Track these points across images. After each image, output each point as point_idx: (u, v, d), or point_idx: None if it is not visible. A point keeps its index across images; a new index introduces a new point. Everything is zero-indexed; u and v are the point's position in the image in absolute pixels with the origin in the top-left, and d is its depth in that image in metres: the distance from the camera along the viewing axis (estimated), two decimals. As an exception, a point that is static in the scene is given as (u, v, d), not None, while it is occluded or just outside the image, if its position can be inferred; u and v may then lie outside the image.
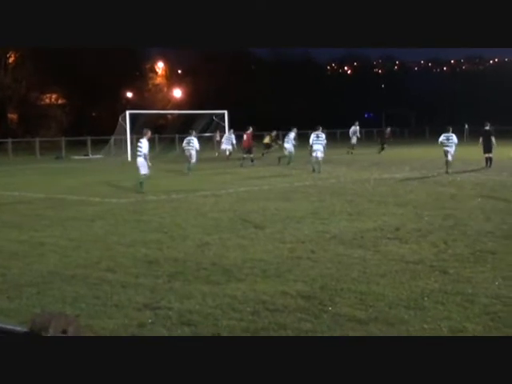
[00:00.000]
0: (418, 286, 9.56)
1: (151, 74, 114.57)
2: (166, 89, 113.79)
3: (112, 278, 10.44)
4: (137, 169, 25.09)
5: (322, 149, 34.03)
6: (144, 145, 24.78)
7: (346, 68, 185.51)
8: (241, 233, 14.74)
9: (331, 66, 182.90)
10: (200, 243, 13.50)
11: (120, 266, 11.38)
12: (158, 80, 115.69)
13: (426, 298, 8.91)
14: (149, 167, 24.81)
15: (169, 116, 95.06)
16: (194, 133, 37.29)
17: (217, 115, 59.78)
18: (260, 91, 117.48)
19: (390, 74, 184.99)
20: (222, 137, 53.06)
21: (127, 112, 55.24)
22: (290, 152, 40.61)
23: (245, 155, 41.75)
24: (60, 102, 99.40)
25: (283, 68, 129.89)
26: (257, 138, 48.80)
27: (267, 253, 12.31)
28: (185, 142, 36.96)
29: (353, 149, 52.61)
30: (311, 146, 34.55)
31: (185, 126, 63.96)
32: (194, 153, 35.77)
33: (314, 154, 34.05)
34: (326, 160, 35.15)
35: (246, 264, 11.29)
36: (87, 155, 58.08)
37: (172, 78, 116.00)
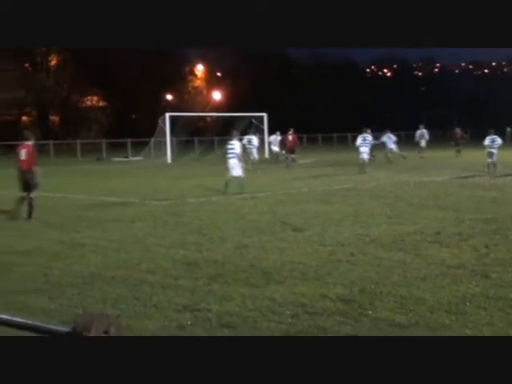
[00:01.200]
0: (459, 291, 9.46)
1: (191, 77, 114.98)
2: (205, 91, 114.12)
3: (152, 280, 10.48)
4: (227, 170, 25.07)
5: (367, 151, 35.12)
6: (237, 145, 24.89)
7: (385, 70, 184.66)
8: (280, 235, 14.72)
9: (371, 69, 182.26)
10: (239, 245, 13.50)
11: (160, 268, 11.42)
12: (198, 82, 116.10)
13: (467, 303, 8.81)
14: (242, 168, 24.84)
15: (208, 118, 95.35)
16: (251, 132, 38.43)
17: (256, 118, 59.79)
18: (299, 94, 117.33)
19: (430, 76, 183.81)
20: (261, 139, 53.10)
21: (167, 114, 55.50)
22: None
23: (287, 155, 42.34)
24: (101, 104, 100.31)
25: (322, 70, 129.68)
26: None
27: (306, 255, 12.28)
28: (245, 140, 37.74)
29: (420, 153, 50.71)
30: (358, 148, 35.55)
31: (224, 128, 64.25)
32: (255, 151, 36.62)
33: (360, 156, 35.04)
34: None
35: (285, 266, 11.27)
36: (127, 157, 58.53)
37: (211, 81, 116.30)
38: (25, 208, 18.56)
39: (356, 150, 37.10)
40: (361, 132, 37.38)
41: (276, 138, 50.00)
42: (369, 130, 36.93)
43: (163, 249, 13.32)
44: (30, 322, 2.66)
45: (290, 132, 43.89)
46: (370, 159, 35.79)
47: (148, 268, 11.43)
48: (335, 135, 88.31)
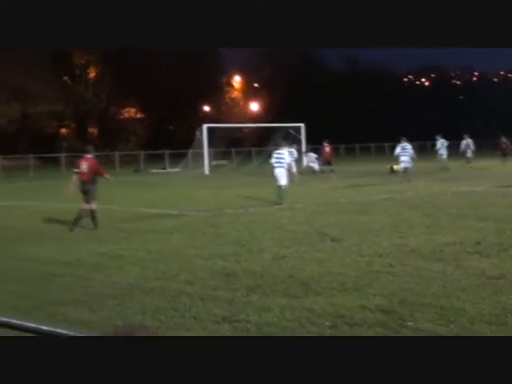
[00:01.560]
0: (499, 302, 9.35)
1: (228, 88, 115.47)
2: (242, 102, 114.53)
3: (190, 291, 10.50)
4: (275, 180, 25.16)
5: (408, 159, 35.32)
6: (286, 155, 25.02)
7: (423, 80, 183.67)
8: (318, 246, 14.68)
9: (408, 78, 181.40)
10: (277, 256, 13.49)
11: (198, 279, 11.44)
12: (235, 94, 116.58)
13: (508, 314, 8.70)
14: (288, 179, 24.95)
15: (245, 129, 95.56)
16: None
17: (293, 128, 59.77)
18: (336, 104, 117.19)
19: (468, 85, 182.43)
20: (299, 150, 53.08)
21: (204, 125, 55.77)
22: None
23: (324, 168, 42.52)
24: (138, 116, 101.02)
25: (359, 80, 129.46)
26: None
27: (345, 266, 12.22)
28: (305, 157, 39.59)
29: (467, 163, 49.59)
30: (398, 158, 35.92)
31: (261, 139, 64.36)
32: (293, 164, 37.35)
33: (401, 165, 35.49)
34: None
35: (324, 277, 11.23)
36: (165, 168, 58.81)
37: (248, 92, 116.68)
38: (87, 220, 18.83)
39: (394, 159, 37.06)
40: (399, 141, 37.47)
41: (309, 154, 50.02)
42: (405, 139, 36.98)
43: (202, 260, 13.35)
44: (29, 324, 2.69)
45: (326, 143, 44.00)
46: (407, 168, 35.67)
47: (187, 279, 11.45)
48: (372, 145, 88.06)
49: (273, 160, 25.45)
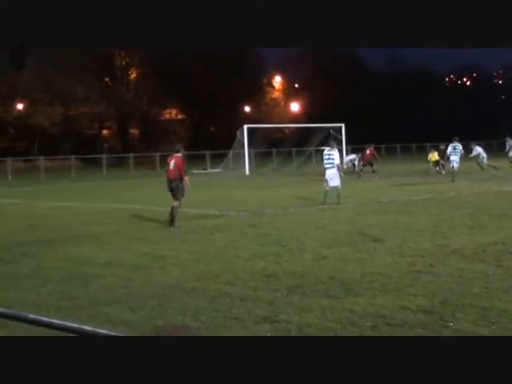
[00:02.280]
0: (543, 302, 9.26)
1: (269, 89, 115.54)
2: (282, 103, 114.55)
3: (231, 291, 10.53)
4: (326, 181, 25.16)
5: (458, 160, 35.86)
6: (336, 156, 24.95)
7: (464, 79, 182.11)
8: (359, 246, 14.63)
9: (449, 78, 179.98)
10: (318, 257, 13.47)
11: (239, 279, 11.46)
12: (276, 94, 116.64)
13: (552, 315, 8.61)
14: (342, 178, 24.93)
15: (286, 130, 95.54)
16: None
17: (334, 128, 59.61)
18: (377, 104, 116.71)
19: (511, 84, 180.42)
20: (340, 150, 53.04)
21: (245, 126, 55.83)
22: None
23: (363, 168, 42.67)
24: (179, 117, 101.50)
25: (400, 80, 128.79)
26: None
27: (386, 266, 12.17)
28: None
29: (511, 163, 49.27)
30: (448, 157, 36.68)
31: (301, 139, 64.29)
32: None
33: (450, 165, 35.98)
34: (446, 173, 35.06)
35: (365, 278, 11.19)
36: (206, 169, 59.02)
37: (289, 92, 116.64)
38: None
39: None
40: (451, 141, 37.94)
41: (350, 157, 50.11)
42: (456, 139, 37.45)
43: (242, 260, 13.37)
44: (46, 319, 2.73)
45: (371, 147, 44.22)
46: (455, 168, 35.92)
47: (227, 280, 11.48)
48: (414, 145, 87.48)
49: (324, 161, 25.28)
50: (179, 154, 19.84)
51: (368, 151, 44.13)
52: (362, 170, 43.10)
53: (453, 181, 33.80)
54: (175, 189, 19.43)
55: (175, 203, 19.32)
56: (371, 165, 43.28)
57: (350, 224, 18.46)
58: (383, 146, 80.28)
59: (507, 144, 51.48)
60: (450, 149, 37.01)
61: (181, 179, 19.55)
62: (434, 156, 44.73)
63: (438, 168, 43.71)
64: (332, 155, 24.97)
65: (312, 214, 21.22)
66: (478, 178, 36.11)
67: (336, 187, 24.52)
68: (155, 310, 9.57)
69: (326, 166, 24.97)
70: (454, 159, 35.94)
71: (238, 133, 56.35)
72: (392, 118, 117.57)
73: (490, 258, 12.63)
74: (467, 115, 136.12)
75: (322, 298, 9.91)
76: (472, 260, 12.55)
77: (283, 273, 11.90)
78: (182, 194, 19.55)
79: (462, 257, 12.92)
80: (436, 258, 12.78)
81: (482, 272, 11.36)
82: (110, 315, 9.30)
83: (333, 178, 24.60)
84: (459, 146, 36.71)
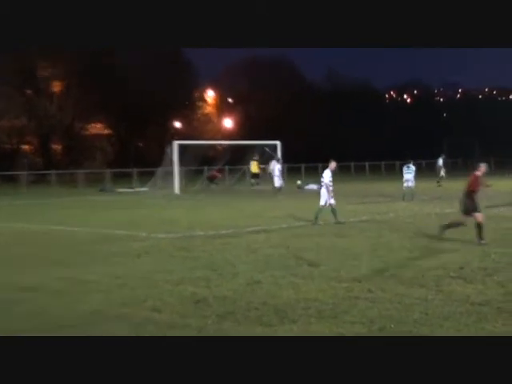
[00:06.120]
0: (484, 329, 9.38)
1: (201, 103, 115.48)
2: (215, 118, 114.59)
3: (158, 318, 10.44)
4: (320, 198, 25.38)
5: (412, 178, 38.26)
6: (326, 175, 25.06)
7: (405, 96, 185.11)
8: (294, 270, 14.66)
9: (389, 94, 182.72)
10: (250, 281, 13.45)
11: (166, 305, 11.37)
12: (208, 109, 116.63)
13: (493, 343, 8.71)
14: (330, 198, 25.02)
15: (219, 147, 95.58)
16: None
17: (268, 146, 59.70)
18: (315, 120, 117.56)
19: (452, 102, 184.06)
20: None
21: (175, 142, 55.56)
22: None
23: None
24: (106, 132, 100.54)
25: (340, 95, 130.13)
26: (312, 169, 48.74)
27: (322, 292, 12.21)
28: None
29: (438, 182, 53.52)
30: (403, 177, 38.76)
31: (235, 157, 64.39)
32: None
33: (405, 184, 38.13)
34: (381, 193, 35.52)
35: (300, 304, 11.21)
36: (133, 188, 58.57)
37: (222, 108, 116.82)
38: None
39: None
40: (404, 161, 40.53)
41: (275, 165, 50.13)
42: (412, 161, 39.69)
43: (170, 285, 13.29)
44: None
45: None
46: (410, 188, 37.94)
47: (154, 305, 11.38)
48: (352, 164, 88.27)
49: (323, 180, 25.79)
50: (477, 173, 19.23)
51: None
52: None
53: (411, 200, 35.96)
54: (467, 204, 19.08)
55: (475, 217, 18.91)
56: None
57: (284, 247, 18.50)
58: (320, 165, 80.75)
59: (439, 163, 55.08)
60: (404, 169, 39.01)
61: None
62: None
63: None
64: (323, 173, 25.48)
65: (244, 237, 21.21)
66: (418, 199, 36.52)
67: (320, 205, 24.88)
68: (76, 338, 9.41)
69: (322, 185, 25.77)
70: (409, 178, 38.15)
71: (167, 149, 56.05)
72: (331, 135, 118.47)
73: (430, 283, 12.78)
74: (409, 132, 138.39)
75: (255, 325, 9.89)
76: (411, 285, 12.69)
77: (214, 298, 11.85)
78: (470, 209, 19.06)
79: (401, 282, 13.05)
80: (374, 284, 12.88)
81: (422, 298, 11.49)
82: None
83: (321, 195, 25.09)
84: (412, 167, 38.88)
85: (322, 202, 25.08)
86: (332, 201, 25.07)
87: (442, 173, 55.41)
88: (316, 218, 24.48)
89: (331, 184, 25.17)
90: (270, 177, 49.33)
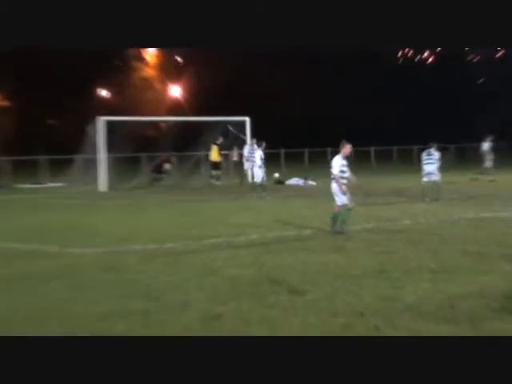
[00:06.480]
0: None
1: (137, 64, 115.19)
2: (158, 85, 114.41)
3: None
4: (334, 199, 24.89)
5: (435, 170, 37.18)
6: (336, 163, 24.35)
7: (425, 54, 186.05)
8: (269, 300, 14.63)
9: (403, 52, 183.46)
10: (208, 315, 13.43)
11: (87, 350, 11.30)
12: (147, 72, 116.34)
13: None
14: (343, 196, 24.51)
15: (162, 124, 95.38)
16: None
17: (233, 124, 59.56)
18: (298, 89, 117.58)
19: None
20: (240, 155, 53.46)
21: (100, 119, 55.31)
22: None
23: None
24: (2, 103, 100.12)
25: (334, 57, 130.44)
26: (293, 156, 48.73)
27: (309, 330, 12.20)
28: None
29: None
30: (423, 168, 37.72)
31: (186, 138, 64.19)
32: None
33: (425, 178, 37.39)
34: (392, 190, 35.62)
35: (278, 348, 11.16)
36: (40, 183, 58.30)
37: (168, 70, 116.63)
38: None
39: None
40: (426, 145, 39.05)
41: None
42: (435, 145, 38.44)
43: (93, 321, 13.26)
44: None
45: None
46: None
47: (70, 350, 11.30)
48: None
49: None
50: None
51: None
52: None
53: (437, 199, 35.81)
54: None
55: None
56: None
57: (255, 267, 18.47)
58: (306, 151, 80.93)
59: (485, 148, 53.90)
60: (424, 156, 37.95)
61: None
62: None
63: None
64: (331, 162, 24.82)
65: (200, 252, 21.16)
66: (444, 198, 36.58)
67: (342, 206, 24.59)
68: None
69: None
70: (431, 170, 37.17)
71: (89, 129, 55.76)
72: (318, 111, 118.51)
73: (461, 318, 12.81)
74: (429, 105, 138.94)
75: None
76: (436, 321, 12.70)
77: (155, 340, 11.80)
78: None
79: (421, 315, 13.07)
80: (382, 318, 12.89)
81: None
82: None
83: (333, 193, 24.49)
84: (435, 154, 37.72)
85: (339, 202, 24.66)
86: (345, 199, 24.64)
87: (489, 162, 53.94)
88: (336, 224, 24.38)
89: (345, 176, 24.70)
90: (248, 166, 49.62)
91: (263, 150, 44.82)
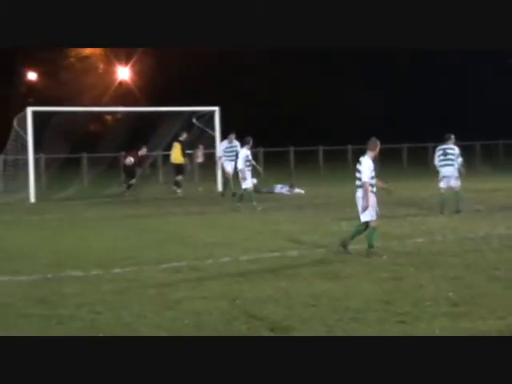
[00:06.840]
0: None
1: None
2: (102, 66, 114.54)
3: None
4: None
5: (454, 172, 35.57)
6: (366, 167, 23.51)
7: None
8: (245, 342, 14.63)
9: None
10: (166, 362, 13.40)
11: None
12: (88, 50, 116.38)
13: None
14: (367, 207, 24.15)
15: (108, 117, 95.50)
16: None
17: (199, 115, 59.49)
18: (279, 73, 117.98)
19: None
20: (207, 156, 53.62)
21: (29, 109, 55.27)
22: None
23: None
24: None
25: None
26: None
27: (296, 381, 12.19)
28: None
29: None
30: (439, 170, 36.10)
31: (138, 134, 64.21)
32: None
33: (443, 184, 35.95)
34: (401, 199, 35.69)
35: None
36: None
37: (115, 49, 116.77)
38: None
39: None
40: (442, 141, 37.23)
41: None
42: (453, 138, 36.54)
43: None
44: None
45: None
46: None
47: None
48: (350, 147, 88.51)
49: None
50: None
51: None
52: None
53: (457, 211, 35.29)
54: None
55: None
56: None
57: (227, 298, 18.48)
58: (293, 150, 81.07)
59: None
60: (438, 155, 36.28)
61: None
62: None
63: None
64: (360, 166, 23.96)
65: (157, 279, 21.17)
66: (470, 209, 36.33)
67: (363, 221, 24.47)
68: None
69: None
70: (449, 173, 35.72)
71: (15, 122, 55.69)
72: (301, 98, 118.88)
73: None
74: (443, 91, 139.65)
75: None
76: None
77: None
78: None
79: (439, 359, 13.06)
80: (389, 364, 12.88)
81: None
82: None
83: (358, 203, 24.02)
84: (455, 150, 35.99)
85: (365, 218, 24.42)
86: (374, 214, 24.27)
87: None
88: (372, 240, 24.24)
89: (373, 183, 24.15)
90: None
91: (250, 149, 43.52)
